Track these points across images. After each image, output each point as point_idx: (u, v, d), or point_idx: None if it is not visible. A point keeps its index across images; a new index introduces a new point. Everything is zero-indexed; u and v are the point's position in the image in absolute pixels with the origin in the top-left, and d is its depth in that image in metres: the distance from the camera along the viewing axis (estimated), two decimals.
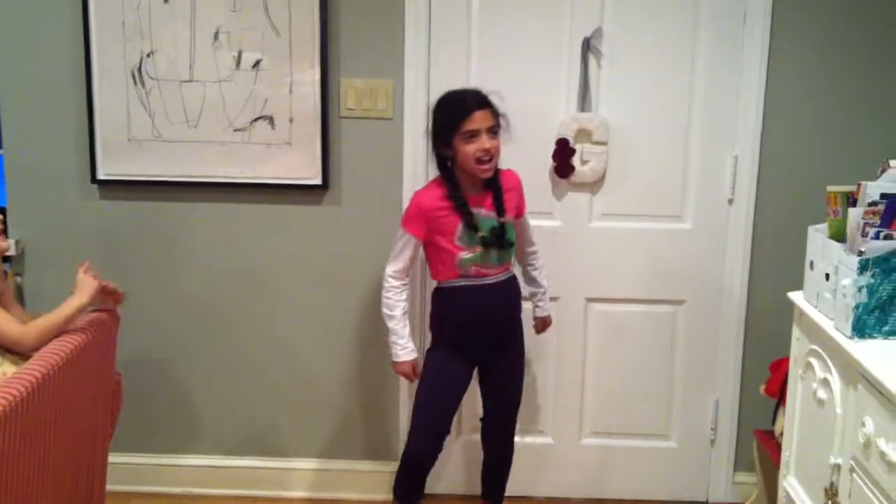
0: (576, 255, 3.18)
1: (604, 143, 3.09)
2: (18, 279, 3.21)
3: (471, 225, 2.66)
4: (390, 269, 2.74)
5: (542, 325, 3.02)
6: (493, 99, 2.67)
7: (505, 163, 2.79)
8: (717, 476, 3.30)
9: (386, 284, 2.75)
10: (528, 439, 3.30)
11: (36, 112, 3.14)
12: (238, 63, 3.09)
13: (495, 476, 3.01)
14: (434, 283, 2.83)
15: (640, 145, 3.11)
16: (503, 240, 2.70)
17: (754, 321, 3.17)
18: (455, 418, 2.91)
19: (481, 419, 2.95)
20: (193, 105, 3.12)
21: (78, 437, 2.38)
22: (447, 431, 2.79)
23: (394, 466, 3.25)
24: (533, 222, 2.98)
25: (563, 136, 3.08)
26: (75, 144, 3.15)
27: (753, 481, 3.10)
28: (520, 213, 2.83)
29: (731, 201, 3.12)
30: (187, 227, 3.22)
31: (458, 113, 2.61)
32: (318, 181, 3.14)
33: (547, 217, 3.15)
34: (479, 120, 2.59)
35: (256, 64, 3.08)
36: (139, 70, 3.10)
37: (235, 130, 3.13)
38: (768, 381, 2.79)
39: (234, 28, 3.06)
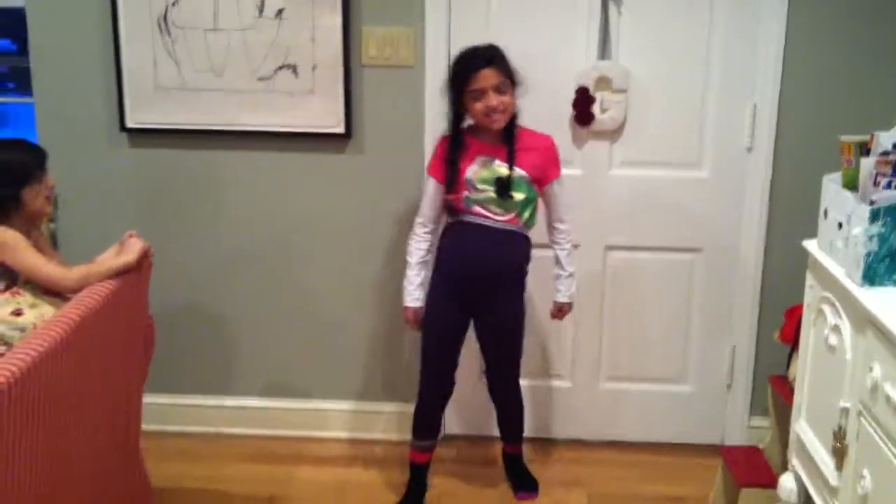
0: (595, 203, 3.23)
1: (623, 92, 3.11)
2: (52, 226, 3.30)
3: (451, 183, 2.75)
4: (418, 217, 2.86)
5: (559, 311, 3.00)
6: (509, 54, 2.71)
7: (525, 112, 2.82)
8: (733, 420, 3.37)
9: (413, 231, 2.86)
10: (548, 383, 3.38)
11: (65, 62, 3.21)
12: (261, 10, 3.13)
13: (508, 422, 3.11)
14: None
15: (659, 94, 3.13)
16: (507, 191, 2.74)
17: (771, 269, 3.21)
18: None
19: (484, 372, 3.04)
20: (218, 53, 3.17)
21: (114, 377, 2.47)
22: (451, 376, 2.93)
23: (412, 407, 3.37)
24: None
25: (583, 84, 3.11)
26: (104, 93, 3.22)
27: (768, 425, 3.15)
28: (544, 178, 2.82)
29: (749, 150, 3.15)
30: (214, 174, 3.28)
31: (465, 73, 2.69)
32: (341, 129, 3.19)
33: (567, 165, 3.14)
34: (484, 79, 2.66)
35: (279, 12, 3.12)
36: (164, 19, 3.15)
37: (259, 79, 3.18)
38: (783, 327, 2.84)
39: None
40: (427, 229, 2.84)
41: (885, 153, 2.04)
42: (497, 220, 2.77)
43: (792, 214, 3.13)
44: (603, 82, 3.11)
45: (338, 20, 3.11)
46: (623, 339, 3.36)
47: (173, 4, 3.13)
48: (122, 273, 2.48)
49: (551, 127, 3.01)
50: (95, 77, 3.21)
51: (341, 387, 3.46)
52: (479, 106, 2.68)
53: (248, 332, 3.43)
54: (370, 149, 3.22)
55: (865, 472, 1.98)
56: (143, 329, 2.71)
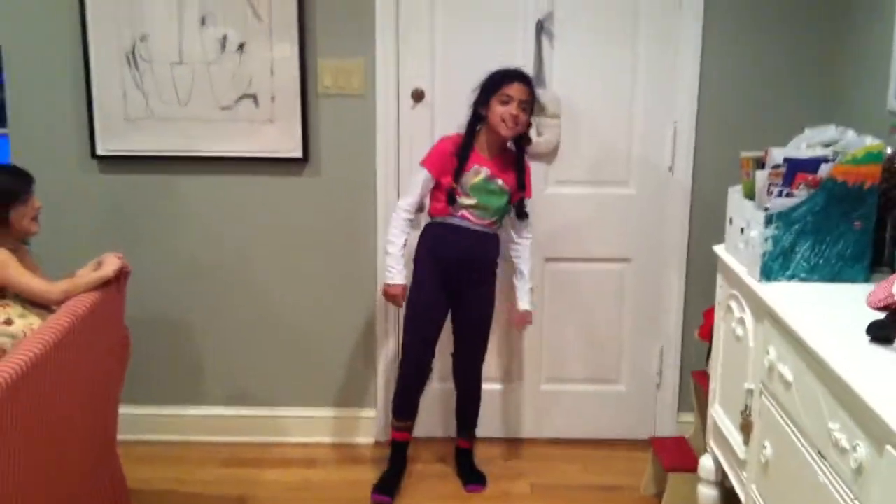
0: (534, 219, 3.49)
1: (557, 117, 3.42)
2: (27, 247, 3.49)
3: (459, 174, 3.08)
4: (403, 201, 3.15)
5: (521, 319, 3.33)
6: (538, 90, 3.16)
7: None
8: (663, 416, 3.68)
9: (395, 215, 3.16)
10: (491, 386, 3.64)
11: (39, 94, 3.43)
12: (224, 46, 3.38)
13: (466, 411, 3.40)
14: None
15: (589, 118, 3.44)
16: (504, 206, 3.16)
17: (694, 275, 3.52)
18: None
19: (452, 354, 3.33)
20: (183, 85, 3.41)
21: (96, 380, 2.70)
22: (432, 354, 3.24)
23: (374, 413, 3.62)
24: None
25: None
26: (76, 123, 3.44)
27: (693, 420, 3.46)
28: (524, 192, 3.21)
29: (670, 168, 3.47)
30: (181, 197, 3.52)
31: (502, 79, 3.05)
32: (299, 154, 3.45)
33: None
34: (516, 90, 3.03)
35: (241, 46, 3.37)
36: (133, 53, 3.38)
37: (222, 108, 3.42)
38: (701, 326, 3.15)
39: (219, 12, 3.34)
40: (410, 217, 3.15)
41: (776, 166, 2.37)
42: (477, 224, 3.13)
43: (709, 225, 3.42)
44: (538, 108, 3.40)
45: (294, 52, 3.37)
46: (561, 344, 3.65)
47: (141, 40, 3.37)
48: (100, 286, 2.71)
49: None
50: (68, 108, 3.43)
51: (304, 394, 3.69)
52: (502, 109, 3.02)
53: (214, 344, 3.65)
54: (326, 171, 3.49)
55: (766, 443, 2.28)
56: (121, 338, 2.93)
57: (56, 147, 3.47)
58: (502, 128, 3.05)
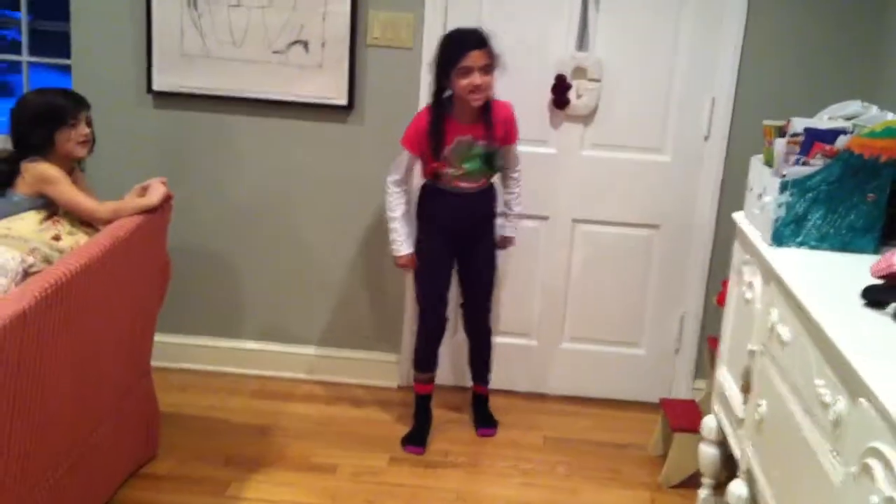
0: (566, 180, 3.60)
1: (597, 80, 3.48)
2: (82, 172, 3.67)
3: (438, 150, 3.13)
4: (390, 178, 3.24)
5: (504, 242, 3.44)
6: (494, 39, 3.09)
7: (508, 94, 3.22)
8: (679, 382, 3.75)
9: (387, 190, 3.25)
10: (515, 340, 3.76)
11: (101, 29, 3.59)
12: None
13: (480, 359, 3.52)
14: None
15: (628, 84, 3.50)
16: (491, 164, 3.21)
17: (721, 246, 3.57)
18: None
19: (461, 305, 3.45)
20: (238, 27, 3.55)
21: (135, 299, 2.86)
22: (446, 306, 3.36)
23: (397, 357, 3.75)
24: (530, 149, 3.45)
25: (561, 72, 3.48)
26: (134, 58, 3.60)
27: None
28: (509, 141, 3.25)
29: (706, 138, 3.52)
30: (230, 136, 3.66)
31: (456, 51, 3.04)
32: (344, 102, 3.57)
33: (542, 144, 3.56)
34: (473, 59, 3.02)
35: None
36: None
37: (274, 52, 3.55)
38: (720, 293, 3.21)
39: None
40: (402, 188, 3.24)
41: (795, 135, 2.42)
42: (470, 187, 3.22)
43: (740, 196, 3.43)
44: (579, 71, 3.48)
45: (347, 5, 3.48)
46: (585, 305, 3.74)
47: None
48: (146, 212, 2.86)
49: (531, 108, 3.43)
50: (127, 44, 3.59)
51: (333, 335, 3.84)
52: (464, 83, 3.04)
53: (250, 281, 3.81)
54: (369, 119, 3.60)
55: (762, 402, 2.35)
56: (161, 263, 3.09)
57: (115, 81, 3.63)
58: (472, 99, 3.06)
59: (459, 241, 3.29)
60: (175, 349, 3.77)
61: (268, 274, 3.80)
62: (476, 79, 3.03)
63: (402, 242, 3.26)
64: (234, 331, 3.87)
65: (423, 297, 3.38)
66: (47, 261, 2.74)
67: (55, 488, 2.43)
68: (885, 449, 1.58)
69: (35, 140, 2.84)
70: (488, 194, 3.31)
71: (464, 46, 3.04)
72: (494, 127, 3.17)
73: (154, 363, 3.16)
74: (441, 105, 3.14)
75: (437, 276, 3.34)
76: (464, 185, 3.21)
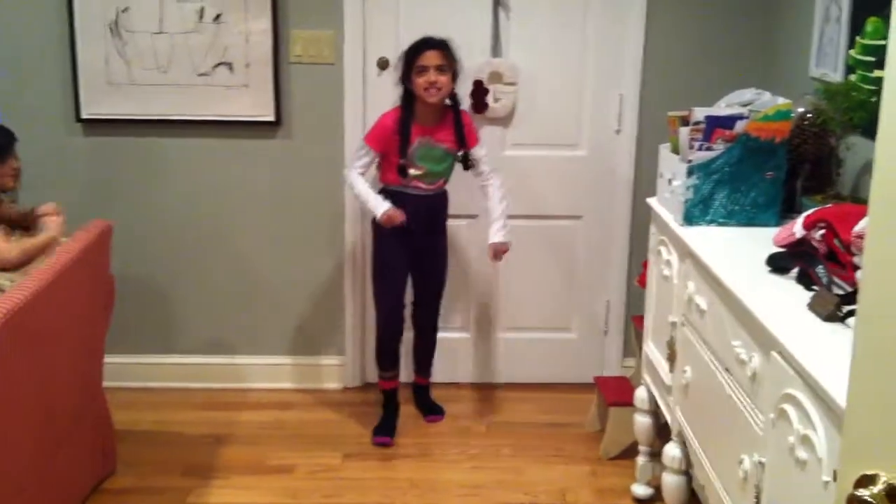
0: None
1: (513, 84, 3.69)
2: (13, 205, 3.72)
3: (404, 150, 3.28)
4: (354, 166, 3.36)
5: (494, 251, 3.46)
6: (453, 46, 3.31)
7: None
8: (610, 361, 3.98)
9: (348, 173, 3.39)
10: (452, 335, 3.93)
11: (28, 63, 3.66)
12: (201, 16, 3.61)
13: (424, 353, 3.70)
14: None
15: (543, 85, 3.72)
16: (451, 166, 3.41)
17: (638, 231, 3.77)
18: None
19: (413, 303, 3.61)
20: (163, 53, 3.65)
21: (84, 322, 2.95)
22: (404, 307, 3.51)
23: (342, 360, 3.90)
24: None
25: (477, 77, 3.67)
26: (62, 88, 3.67)
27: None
28: (469, 144, 3.41)
29: (618, 132, 3.76)
30: (160, 159, 3.76)
31: (414, 51, 3.26)
32: (271, 118, 3.70)
33: None
34: (429, 58, 3.23)
35: (217, 17, 3.61)
36: (115, 24, 3.61)
37: (199, 75, 3.67)
38: (640, 275, 3.44)
39: None
40: (361, 172, 3.36)
41: (697, 123, 2.65)
42: (427, 189, 3.39)
43: (653, 184, 3.68)
44: (495, 76, 3.68)
45: (268, 24, 3.61)
46: (517, 295, 3.94)
47: (123, 11, 3.60)
48: (51, 246, 2.98)
49: None
50: (54, 75, 3.67)
51: (275, 343, 3.96)
52: (420, 80, 3.23)
53: (191, 297, 3.90)
54: (297, 134, 3.74)
55: (687, 368, 2.57)
56: (106, 285, 3.17)
57: (45, 110, 3.70)
58: (427, 96, 3.25)
59: (413, 242, 3.43)
60: (119, 369, 3.81)
61: (207, 289, 3.90)
62: (431, 76, 3.22)
63: (378, 200, 3.32)
64: (177, 347, 3.96)
65: (382, 299, 3.52)
66: None
67: None
68: (796, 393, 1.80)
69: None
70: (443, 197, 3.48)
71: (421, 47, 3.26)
72: (450, 130, 3.35)
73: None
74: (411, 108, 3.31)
75: (395, 279, 3.48)
76: (422, 185, 3.37)
